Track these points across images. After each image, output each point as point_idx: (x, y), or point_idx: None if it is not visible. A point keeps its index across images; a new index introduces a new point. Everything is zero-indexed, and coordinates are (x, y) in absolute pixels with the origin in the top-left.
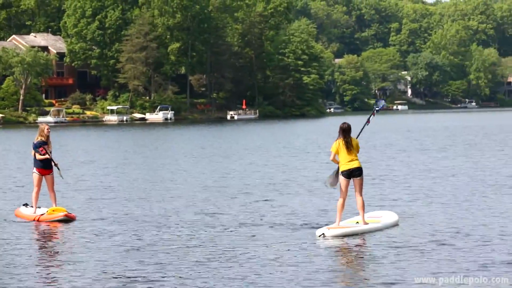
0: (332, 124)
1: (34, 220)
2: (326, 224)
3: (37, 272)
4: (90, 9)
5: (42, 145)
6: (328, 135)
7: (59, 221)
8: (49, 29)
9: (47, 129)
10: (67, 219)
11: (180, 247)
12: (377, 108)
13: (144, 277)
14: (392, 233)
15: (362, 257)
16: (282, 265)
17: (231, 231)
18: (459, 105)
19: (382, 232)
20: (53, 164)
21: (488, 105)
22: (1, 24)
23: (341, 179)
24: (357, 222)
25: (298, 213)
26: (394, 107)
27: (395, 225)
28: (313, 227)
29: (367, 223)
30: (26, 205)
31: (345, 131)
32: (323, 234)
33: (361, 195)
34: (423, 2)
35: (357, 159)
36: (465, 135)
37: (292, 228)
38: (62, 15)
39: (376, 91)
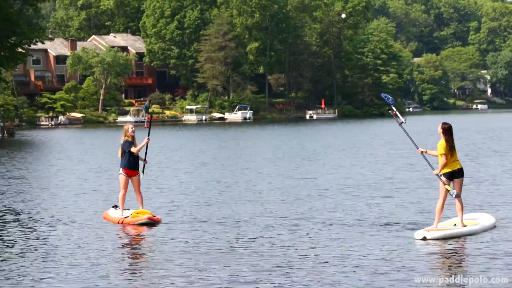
0: (411, 124)
1: (118, 222)
2: (424, 226)
3: (118, 277)
4: (169, 9)
5: (129, 145)
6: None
7: (144, 224)
8: (128, 29)
9: (131, 129)
10: (151, 222)
11: (269, 250)
12: (391, 104)
13: (231, 282)
14: (489, 237)
15: (461, 262)
16: (381, 268)
17: (324, 232)
18: None
19: (479, 235)
20: (142, 162)
21: None
22: (81, 24)
23: (443, 179)
24: (455, 224)
25: (392, 214)
26: (474, 106)
27: (493, 227)
28: (411, 228)
29: (465, 225)
30: (115, 207)
31: (449, 131)
32: (424, 237)
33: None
34: (502, 1)
35: (458, 160)
36: None
37: (388, 230)
38: (141, 15)
39: (455, 90)
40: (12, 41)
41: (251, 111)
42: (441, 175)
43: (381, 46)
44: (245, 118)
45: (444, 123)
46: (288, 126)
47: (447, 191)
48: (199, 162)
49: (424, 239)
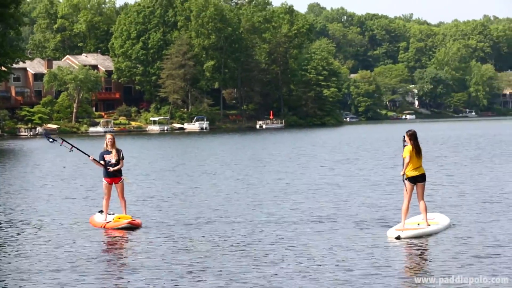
0: (345, 132)
1: (101, 227)
2: (390, 225)
3: (95, 280)
4: (135, 31)
5: (104, 154)
6: (352, 142)
7: (125, 228)
8: (99, 50)
9: (109, 138)
10: (132, 227)
11: (247, 250)
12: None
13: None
14: (451, 235)
15: (429, 259)
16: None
17: (293, 231)
18: (460, 115)
19: (442, 233)
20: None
21: (486, 115)
22: (56, 46)
23: (407, 183)
24: (418, 224)
25: (359, 212)
26: (403, 116)
27: (449, 227)
28: (388, 225)
29: (429, 225)
30: (101, 212)
31: (413, 136)
32: (398, 236)
33: (423, 199)
34: (427, 24)
35: (422, 166)
36: (491, 144)
37: (359, 227)
38: (110, 37)
39: (387, 103)
40: None
41: (208, 122)
42: (405, 179)
43: (323, 63)
44: (202, 128)
45: (408, 130)
46: (241, 135)
47: None
48: (166, 168)
49: (398, 238)
